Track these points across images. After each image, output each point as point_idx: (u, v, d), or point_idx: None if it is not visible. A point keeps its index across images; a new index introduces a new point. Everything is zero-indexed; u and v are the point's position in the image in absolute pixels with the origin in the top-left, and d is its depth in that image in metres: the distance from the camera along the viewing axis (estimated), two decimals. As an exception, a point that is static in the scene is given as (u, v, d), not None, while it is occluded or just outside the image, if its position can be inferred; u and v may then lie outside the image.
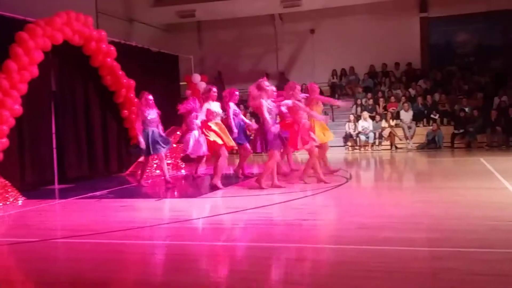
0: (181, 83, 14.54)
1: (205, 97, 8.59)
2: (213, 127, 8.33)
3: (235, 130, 8.84)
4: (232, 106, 9.19)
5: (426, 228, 5.27)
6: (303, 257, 4.55)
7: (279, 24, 19.57)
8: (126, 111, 11.20)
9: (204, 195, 8.13)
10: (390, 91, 17.64)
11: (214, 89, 8.67)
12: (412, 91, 17.23)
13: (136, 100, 10.37)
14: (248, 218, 6.15)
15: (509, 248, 4.31)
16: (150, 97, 9.15)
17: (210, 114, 8.34)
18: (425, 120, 16.07)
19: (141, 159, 11.14)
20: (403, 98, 16.55)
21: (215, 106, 8.52)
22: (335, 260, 4.35)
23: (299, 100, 8.23)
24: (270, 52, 19.82)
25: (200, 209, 7.12)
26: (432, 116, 15.91)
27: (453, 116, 15.76)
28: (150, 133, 9.03)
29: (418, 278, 3.74)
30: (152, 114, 9.10)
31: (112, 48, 10.62)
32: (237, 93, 9.45)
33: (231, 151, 9.74)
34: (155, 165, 10.76)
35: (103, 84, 10.82)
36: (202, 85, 14.04)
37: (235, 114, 9.09)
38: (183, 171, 11.40)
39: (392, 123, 15.96)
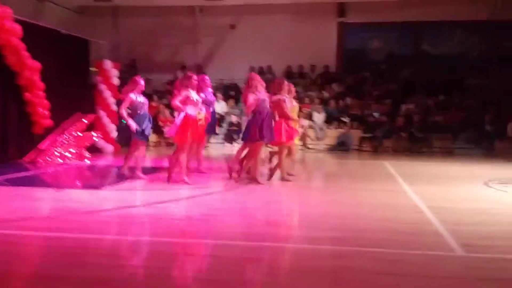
0: (91, 69, 13.91)
1: (184, 85, 8.18)
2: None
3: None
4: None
5: (330, 228, 5.34)
6: (205, 253, 4.45)
7: (199, 16, 19.32)
8: (28, 94, 10.50)
9: (109, 187, 7.79)
10: (305, 92, 17.98)
11: (195, 77, 8.30)
12: (325, 94, 17.67)
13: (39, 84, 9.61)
14: (153, 212, 5.95)
15: (404, 249, 4.45)
16: (142, 82, 8.60)
17: (190, 102, 8.00)
18: (336, 122, 16.52)
19: (44, 146, 10.54)
20: (316, 100, 16.92)
21: (195, 94, 8.17)
22: (237, 256, 4.28)
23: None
24: (188, 44, 19.51)
25: (102, 202, 6.80)
26: (342, 119, 16.39)
27: (362, 120, 16.33)
28: (148, 116, 8.49)
29: (317, 276, 3.75)
30: (141, 98, 8.55)
31: (18, 26, 9.91)
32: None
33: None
34: (57, 153, 10.21)
35: (5, 64, 10.08)
36: (114, 72, 13.56)
37: (207, 103, 8.65)
38: (87, 160, 10.88)
39: (305, 123, 16.25)
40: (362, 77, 18.50)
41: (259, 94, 7.95)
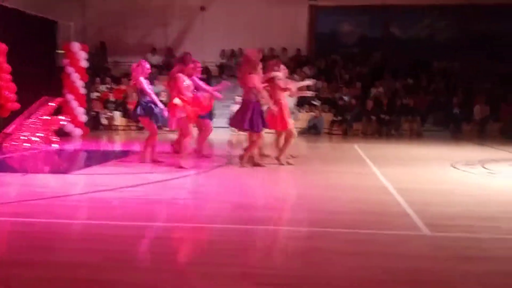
0: (58, 51, 13.60)
1: (181, 70, 7.94)
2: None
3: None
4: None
5: (302, 210, 5.40)
6: (175, 236, 4.44)
7: (169, -3, 19.07)
8: (-7, 77, 10.24)
9: (77, 172, 7.68)
10: (277, 75, 17.97)
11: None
12: (297, 77, 17.68)
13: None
14: (123, 196, 5.90)
15: (374, 230, 4.53)
16: (148, 65, 8.41)
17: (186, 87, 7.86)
18: (307, 106, 16.59)
19: (10, 129, 10.30)
20: (288, 83, 16.93)
21: (187, 80, 7.99)
22: (209, 239, 4.30)
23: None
24: (159, 26, 19.26)
25: (70, 186, 6.71)
26: (314, 102, 16.47)
27: (333, 103, 16.44)
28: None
29: (290, 257, 3.80)
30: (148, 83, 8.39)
31: (-19, 7, 9.63)
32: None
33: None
34: (24, 137, 10.00)
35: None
36: (82, 55, 13.30)
37: (197, 88, 8.53)
38: (55, 145, 10.68)
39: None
40: (333, 61, 18.59)
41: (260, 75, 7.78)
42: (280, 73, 8.26)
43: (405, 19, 18.86)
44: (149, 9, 18.99)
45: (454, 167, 8.33)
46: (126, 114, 16.48)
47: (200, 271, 3.47)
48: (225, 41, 18.73)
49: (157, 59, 19.27)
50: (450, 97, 16.32)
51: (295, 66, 18.29)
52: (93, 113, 15.45)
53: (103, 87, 17.23)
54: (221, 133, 15.54)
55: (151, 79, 18.15)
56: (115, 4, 18.84)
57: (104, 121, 16.28)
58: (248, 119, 7.68)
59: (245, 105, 7.77)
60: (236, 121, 8.01)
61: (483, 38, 18.10)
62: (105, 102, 16.47)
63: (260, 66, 7.86)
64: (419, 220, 4.76)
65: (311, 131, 15.61)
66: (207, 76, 18.61)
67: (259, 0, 18.62)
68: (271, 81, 8.07)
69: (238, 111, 8.07)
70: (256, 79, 7.67)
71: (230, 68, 18.89)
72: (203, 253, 3.91)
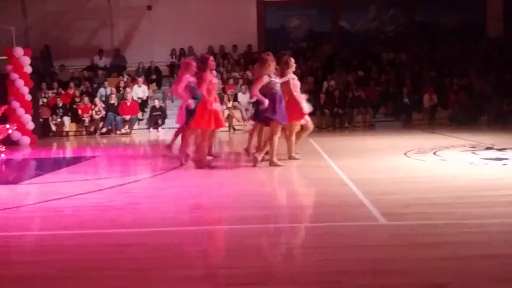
0: (1, 58, 13.11)
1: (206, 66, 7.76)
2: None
3: None
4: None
5: (259, 206, 5.38)
6: (132, 242, 4.34)
7: (114, -3, 18.70)
8: None
9: (27, 181, 7.42)
10: (229, 73, 17.93)
11: (212, 58, 8.06)
12: (249, 74, 17.70)
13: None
14: (76, 204, 5.73)
15: (332, 222, 4.57)
16: (194, 63, 8.27)
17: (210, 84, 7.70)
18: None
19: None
20: (241, 80, 16.92)
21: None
22: (167, 242, 4.21)
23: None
24: (104, 27, 18.86)
25: (22, 197, 6.47)
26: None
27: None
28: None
29: (249, 255, 3.78)
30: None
31: None
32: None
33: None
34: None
35: None
36: (26, 60, 12.87)
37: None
38: (2, 155, 10.29)
39: (230, 105, 16.23)
40: (283, 56, 18.68)
41: (272, 76, 7.68)
42: (294, 76, 8.25)
43: (353, 12, 19.19)
44: (93, 10, 18.56)
45: (407, 156, 8.53)
46: (75, 119, 16.08)
47: (160, 276, 3.40)
48: (174, 40, 18.52)
49: (104, 61, 18.89)
50: (400, 87, 16.71)
51: (247, 63, 18.30)
52: (41, 119, 14.97)
53: (50, 93, 16.74)
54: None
55: (100, 81, 17.80)
56: (57, 6, 18.29)
57: (53, 128, 15.83)
58: (274, 111, 7.58)
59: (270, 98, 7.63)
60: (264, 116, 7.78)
61: (426, 28, 18.70)
62: (53, 108, 16.00)
63: (273, 66, 7.76)
64: (376, 210, 4.84)
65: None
66: (157, 76, 18.40)
67: (207, -3, 18.52)
68: (286, 83, 8.01)
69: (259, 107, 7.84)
70: (266, 80, 7.56)
71: (180, 67, 18.72)
72: (162, 257, 3.83)
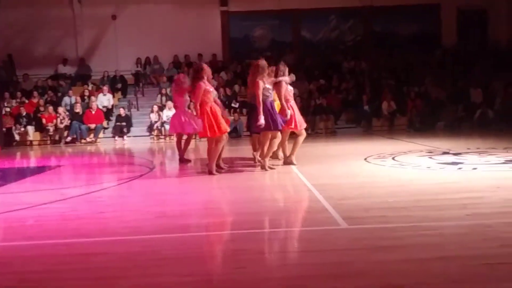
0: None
1: (199, 77, 7.83)
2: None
3: None
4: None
5: (223, 213, 5.46)
6: (98, 251, 4.34)
7: (78, 7, 18.50)
8: None
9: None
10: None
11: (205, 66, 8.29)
12: (214, 82, 17.77)
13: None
14: (40, 213, 5.68)
15: (294, 227, 4.69)
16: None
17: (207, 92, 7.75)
18: (227, 110, 16.69)
19: None
20: (206, 88, 16.98)
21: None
22: (134, 251, 4.23)
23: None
24: (69, 36, 18.65)
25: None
26: (232, 105, 16.63)
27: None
28: None
29: (215, 262, 3.85)
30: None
31: None
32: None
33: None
34: None
35: None
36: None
37: None
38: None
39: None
40: (248, 65, 18.81)
41: (266, 82, 7.75)
42: (287, 78, 8.30)
43: (314, 22, 19.55)
44: (57, 19, 18.33)
45: (367, 161, 8.75)
46: (39, 128, 15.83)
47: (125, 285, 3.42)
48: (139, 49, 18.47)
49: (68, 69, 18.67)
50: (360, 95, 17.09)
51: (212, 72, 18.33)
52: (4, 129, 14.70)
53: (13, 102, 16.44)
54: (141, 141, 15.38)
55: (65, 90, 17.55)
56: (20, 15, 18.01)
57: (16, 137, 15.54)
58: (271, 119, 7.68)
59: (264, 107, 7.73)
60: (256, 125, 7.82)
61: (384, 38, 19.27)
62: (16, 117, 15.71)
63: (268, 71, 7.92)
64: (337, 215, 4.96)
65: (232, 134, 15.70)
66: (123, 85, 18.29)
67: (171, 7, 18.55)
68: (278, 85, 8.05)
69: (252, 115, 8.01)
70: (261, 85, 7.67)
71: (145, 76, 18.66)
72: (129, 266, 3.84)
